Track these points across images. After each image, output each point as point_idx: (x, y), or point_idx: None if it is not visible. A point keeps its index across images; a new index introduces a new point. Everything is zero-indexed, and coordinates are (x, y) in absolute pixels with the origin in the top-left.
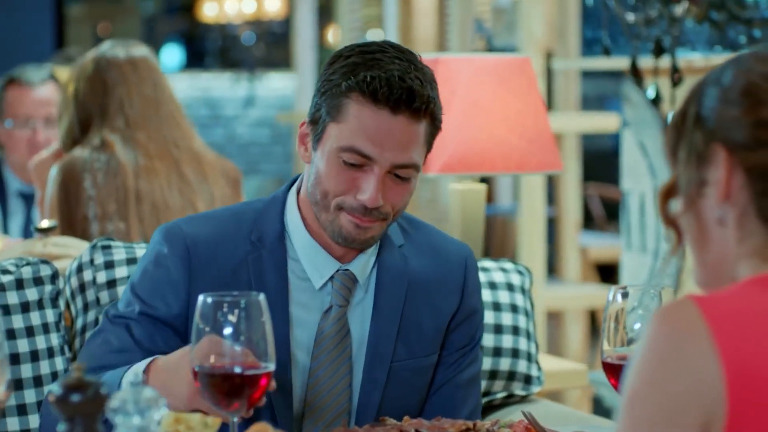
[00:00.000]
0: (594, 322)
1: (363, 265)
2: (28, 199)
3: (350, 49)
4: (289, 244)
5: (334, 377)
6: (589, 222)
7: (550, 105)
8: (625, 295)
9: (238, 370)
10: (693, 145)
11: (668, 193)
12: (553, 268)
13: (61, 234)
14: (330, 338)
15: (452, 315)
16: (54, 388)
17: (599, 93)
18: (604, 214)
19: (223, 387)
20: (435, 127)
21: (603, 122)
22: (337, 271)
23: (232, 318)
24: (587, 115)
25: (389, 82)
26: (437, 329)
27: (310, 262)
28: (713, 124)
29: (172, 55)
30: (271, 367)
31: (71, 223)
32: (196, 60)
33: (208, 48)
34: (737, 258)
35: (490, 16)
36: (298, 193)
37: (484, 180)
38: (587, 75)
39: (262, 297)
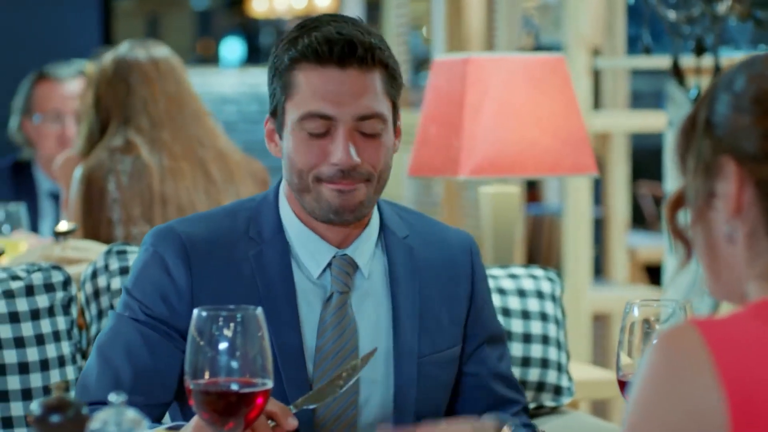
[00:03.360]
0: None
1: (361, 249)
2: (59, 199)
3: (288, 31)
4: (287, 238)
5: (342, 366)
6: (641, 222)
7: (597, 103)
8: (642, 307)
9: (234, 387)
10: (701, 154)
11: (677, 203)
12: (600, 270)
13: (86, 237)
14: (333, 327)
15: (468, 304)
16: (34, 408)
17: (654, 89)
18: (656, 214)
19: (219, 405)
20: (392, 77)
21: (652, 121)
22: (334, 256)
23: (227, 332)
24: (636, 113)
25: (327, 38)
26: (455, 320)
27: (305, 250)
28: (723, 133)
29: (233, 50)
30: (269, 384)
31: (95, 227)
32: (251, 55)
33: (262, 43)
34: (747, 278)
35: (536, 12)
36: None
37: (530, 180)
38: (642, 71)
39: (259, 311)
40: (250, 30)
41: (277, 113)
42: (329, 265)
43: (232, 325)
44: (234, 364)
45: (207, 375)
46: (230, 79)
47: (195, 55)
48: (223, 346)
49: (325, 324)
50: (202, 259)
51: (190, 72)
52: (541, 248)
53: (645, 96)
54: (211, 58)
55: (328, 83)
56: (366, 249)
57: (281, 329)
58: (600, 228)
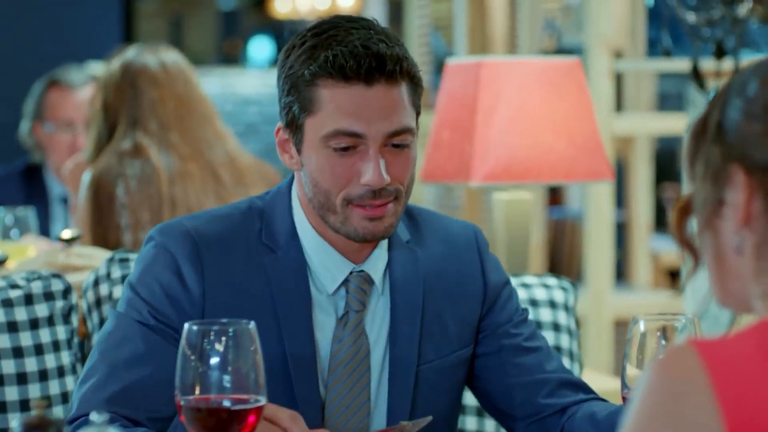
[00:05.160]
0: None
1: (378, 264)
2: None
3: (302, 35)
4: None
5: (354, 390)
6: (665, 225)
7: (620, 105)
8: (648, 321)
9: (226, 404)
10: (710, 160)
11: (684, 209)
12: (623, 275)
13: (94, 243)
14: (347, 348)
15: (481, 299)
16: (14, 426)
17: (681, 91)
18: None
19: (209, 422)
20: (416, 85)
21: (675, 123)
22: (351, 273)
23: (219, 347)
24: (659, 116)
25: (354, 54)
26: (463, 322)
27: (321, 264)
28: (733, 140)
29: (261, 50)
30: (262, 401)
31: (104, 232)
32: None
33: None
34: (754, 294)
35: (558, 14)
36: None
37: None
38: (668, 72)
39: (252, 325)
40: (277, 30)
41: (293, 126)
42: (345, 281)
43: (223, 339)
44: (226, 379)
45: (197, 391)
46: (253, 81)
47: (220, 55)
48: (214, 360)
49: (341, 342)
50: (213, 261)
51: (213, 73)
52: (563, 252)
53: (671, 98)
54: (236, 59)
55: (356, 101)
56: (380, 262)
57: (296, 341)
58: (622, 232)
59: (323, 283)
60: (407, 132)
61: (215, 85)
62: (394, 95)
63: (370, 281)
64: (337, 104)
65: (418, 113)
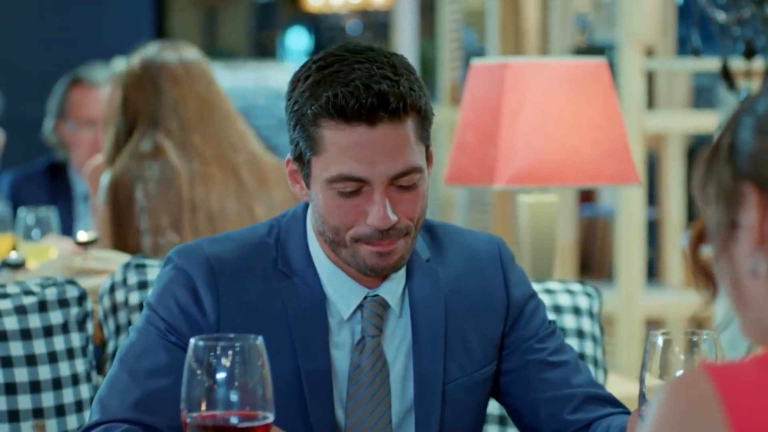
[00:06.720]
0: None
1: (393, 287)
2: None
3: (307, 67)
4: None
5: (374, 414)
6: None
7: (653, 102)
8: (667, 339)
9: (233, 421)
10: (721, 181)
11: (699, 236)
12: (655, 273)
13: (114, 247)
14: (366, 372)
15: (504, 315)
16: None
17: (715, 86)
18: None
19: None
20: (424, 118)
21: (707, 120)
22: (365, 297)
23: (225, 362)
24: (691, 113)
25: (354, 94)
26: (487, 338)
27: (335, 290)
28: (744, 158)
29: (298, 41)
30: (270, 417)
31: (123, 236)
32: (316, 48)
33: (324, 37)
34: None
35: (590, 10)
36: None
37: None
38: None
39: (260, 340)
40: (313, 21)
41: (301, 161)
42: (360, 306)
43: (230, 353)
44: (233, 395)
45: (204, 407)
46: (286, 74)
47: (255, 47)
48: (221, 376)
49: (358, 368)
50: (229, 285)
51: (246, 67)
52: (594, 251)
53: (706, 91)
54: (272, 51)
55: (358, 143)
56: (397, 285)
57: (310, 361)
58: (654, 230)
59: (338, 309)
60: (414, 171)
61: (248, 78)
62: (399, 134)
63: (385, 305)
64: (340, 147)
65: (427, 146)
